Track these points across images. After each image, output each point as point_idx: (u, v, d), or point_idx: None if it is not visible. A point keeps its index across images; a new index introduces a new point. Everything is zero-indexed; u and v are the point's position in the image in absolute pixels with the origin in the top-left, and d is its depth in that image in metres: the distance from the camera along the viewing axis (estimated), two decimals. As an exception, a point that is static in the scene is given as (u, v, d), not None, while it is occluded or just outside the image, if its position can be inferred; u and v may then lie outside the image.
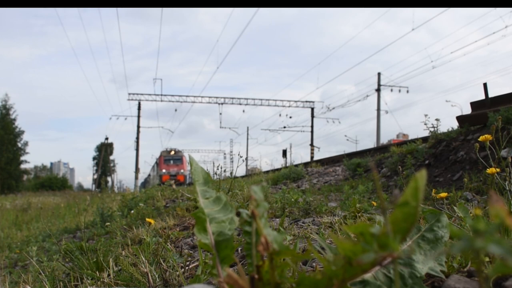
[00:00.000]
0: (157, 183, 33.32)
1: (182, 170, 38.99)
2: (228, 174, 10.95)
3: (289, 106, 34.04)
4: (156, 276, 1.65)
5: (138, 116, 32.72)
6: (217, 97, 33.18)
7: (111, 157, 70.01)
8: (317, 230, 2.28)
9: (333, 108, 33.28)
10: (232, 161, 57.51)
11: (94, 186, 51.58)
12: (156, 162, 43.52)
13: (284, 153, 34.27)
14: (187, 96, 33.04)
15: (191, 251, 2.24)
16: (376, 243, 0.62)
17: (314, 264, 1.52)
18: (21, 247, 5.68)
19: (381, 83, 29.94)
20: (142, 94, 32.85)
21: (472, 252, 0.47)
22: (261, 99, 33.73)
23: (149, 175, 55.10)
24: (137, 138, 32.82)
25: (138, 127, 32.78)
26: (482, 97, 6.18)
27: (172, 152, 39.77)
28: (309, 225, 2.51)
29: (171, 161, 39.14)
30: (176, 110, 34.59)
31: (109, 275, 1.82)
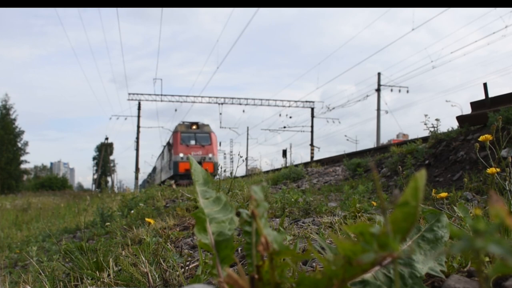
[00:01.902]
0: (170, 175, 23.41)
1: (210, 155, 24.29)
2: (228, 174, 10.91)
3: (289, 106, 34.05)
4: (156, 276, 1.65)
5: (138, 116, 32.73)
6: (217, 97, 33.18)
7: (111, 157, 70.13)
8: (317, 230, 2.28)
9: (333, 108, 33.34)
10: (232, 161, 57.51)
11: (94, 186, 51.60)
12: (168, 143, 27.70)
13: (284, 153, 34.30)
14: (187, 96, 33.04)
15: (191, 251, 2.24)
16: (376, 243, 0.62)
17: (314, 264, 1.52)
18: (21, 247, 5.68)
19: (381, 83, 29.99)
20: (142, 94, 32.87)
21: (472, 252, 0.47)
22: (261, 99, 33.75)
23: (154, 168, 41.81)
24: (137, 138, 32.82)
25: (138, 127, 32.78)
26: (482, 97, 6.19)
27: (195, 127, 25.16)
28: (309, 225, 2.51)
29: (193, 140, 24.74)
30: (176, 110, 34.48)
31: (109, 275, 1.82)
